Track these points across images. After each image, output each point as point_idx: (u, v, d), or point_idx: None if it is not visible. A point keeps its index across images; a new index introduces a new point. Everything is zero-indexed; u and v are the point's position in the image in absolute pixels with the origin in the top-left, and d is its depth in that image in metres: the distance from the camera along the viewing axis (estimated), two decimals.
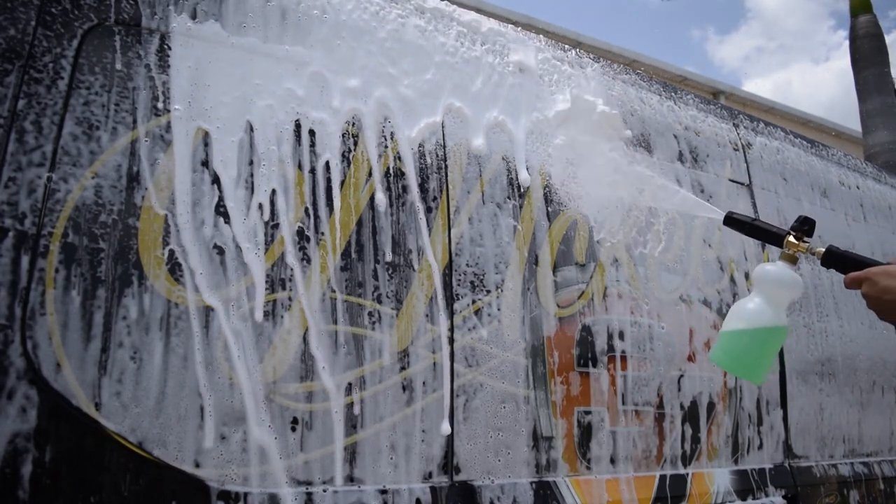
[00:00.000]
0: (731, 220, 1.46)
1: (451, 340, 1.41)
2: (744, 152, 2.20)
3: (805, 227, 1.35)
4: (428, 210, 1.45)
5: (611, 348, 1.66)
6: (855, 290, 1.27)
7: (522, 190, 1.60)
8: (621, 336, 1.68)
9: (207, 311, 1.15)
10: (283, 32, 1.35)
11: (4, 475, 0.96)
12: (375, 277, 1.34)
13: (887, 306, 1.18)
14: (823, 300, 2.27)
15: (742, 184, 2.15)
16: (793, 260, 1.34)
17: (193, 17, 1.25)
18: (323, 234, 1.30)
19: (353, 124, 1.39)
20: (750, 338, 1.31)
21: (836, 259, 1.31)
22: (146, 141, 1.16)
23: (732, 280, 1.99)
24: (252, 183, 1.25)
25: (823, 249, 1.31)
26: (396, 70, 1.48)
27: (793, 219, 2.29)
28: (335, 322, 1.28)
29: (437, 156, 1.49)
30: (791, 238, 1.34)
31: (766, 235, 1.41)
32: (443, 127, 1.51)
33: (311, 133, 1.33)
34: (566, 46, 1.88)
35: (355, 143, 1.38)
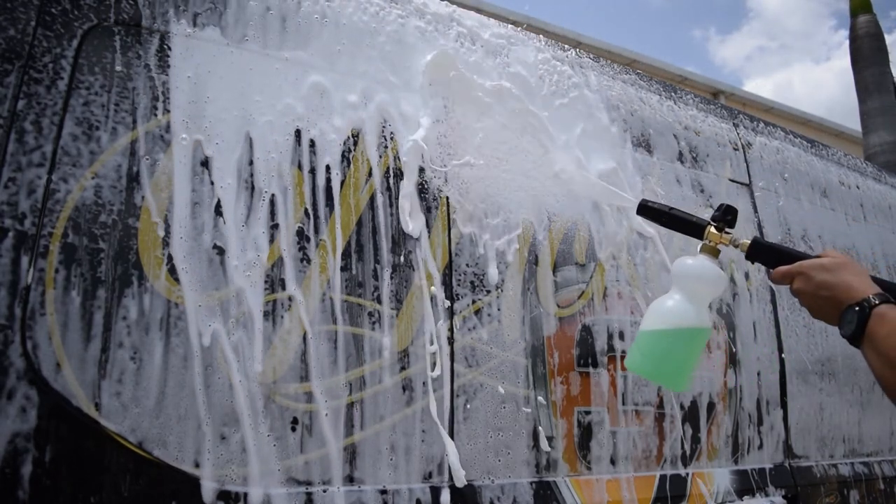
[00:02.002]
0: (646, 209, 1.30)
1: (451, 340, 1.41)
2: (744, 152, 2.20)
3: (728, 216, 1.22)
4: (428, 210, 1.45)
5: (611, 348, 1.66)
6: (784, 286, 1.16)
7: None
8: (621, 336, 1.68)
9: (207, 312, 1.15)
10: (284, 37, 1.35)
11: (4, 475, 0.96)
12: (375, 277, 1.34)
13: (823, 303, 1.08)
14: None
15: (742, 183, 2.15)
16: (714, 252, 1.22)
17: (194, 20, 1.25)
18: (323, 234, 1.30)
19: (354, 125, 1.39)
20: (671, 339, 1.17)
21: (763, 252, 1.20)
22: (146, 141, 1.16)
23: (732, 280, 1.99)
24: (252, 182, 1.25)
25: (748, 241, 1.20)
26: (396, 76, 1.48)
27: (793, 218, 2.31)
28: (335, 322, 1.28)
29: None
30: (712, 229, 1.22)
31: (684, 226, 1.27)
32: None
33: (311, 142, 1.33)
34: (565, 46, 1.88)
35: (355, 143, 1.38)
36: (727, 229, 1.22)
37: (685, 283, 1.21)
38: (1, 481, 0.96)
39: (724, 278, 1.22)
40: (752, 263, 1.24)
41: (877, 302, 1.00)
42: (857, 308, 1.01)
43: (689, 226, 1.26)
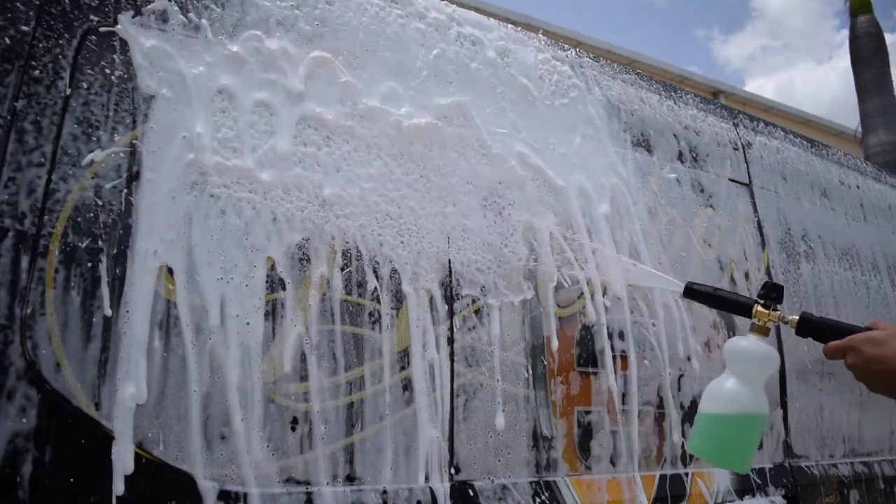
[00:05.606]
0: (692, 293, 1.35)
1: (451, 340, 1.41)
2: (744, 152, 2.20)
3: (773, 293, 1.24)
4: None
5: (611, 348, 1.65)
6: (837, 360, 1.16)
7: None
8: (621, 336, 1.68)
9: (207, 311, 1.15)
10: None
11: (4, 475, 0.96)
12: (376, 277, 1.34)
13: (877, 377, 1.09)
14: (824, 300, 2.27)
15: (742, 183, 2.15)
16: (764, 331, 1.24)
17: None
18: (324, 232, 1.30)
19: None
20: (728, 425, 1.22)
21: (812, 327, 1.21)
22: (146, 140, 1.16)
23: (732, 280, 1.99)
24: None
25: (797, 318, 1.22)
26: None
27: (793, 218, 2.31)
28: (334, 322, 1.28)
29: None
30: (759, 307, 1.24)
31: (731, 306, 1.32)
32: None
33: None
34: (565, 46, 1.88)
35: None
36: (774, 306, 1.24)
37: (739, 366, 1.23)
38: (1, 481, 0.96)
39: (777, 357, 1.25)
40: (805, 338, 1.26)
41: None
42: None
43: (735, 306, 1.30)
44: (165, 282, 1.13)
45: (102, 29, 1.16)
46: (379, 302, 1.33)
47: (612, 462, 1.61)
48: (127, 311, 1.08)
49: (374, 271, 1.34)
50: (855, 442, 2.26)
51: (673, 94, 2.13)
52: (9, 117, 1.05)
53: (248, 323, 1.18)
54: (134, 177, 1.14)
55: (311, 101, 1.34)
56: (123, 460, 1.04)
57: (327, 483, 1.21)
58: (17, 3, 1.09)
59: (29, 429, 0.98)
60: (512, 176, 1.58)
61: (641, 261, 1.76)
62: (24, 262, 1.02)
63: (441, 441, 1.35)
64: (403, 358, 1.34)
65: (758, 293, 1.26)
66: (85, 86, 1.13)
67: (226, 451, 1.13)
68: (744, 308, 1.27)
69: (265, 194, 1.24)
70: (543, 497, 1.46)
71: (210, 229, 1.18)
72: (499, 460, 1.43)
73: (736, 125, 2.26)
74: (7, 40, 1.07)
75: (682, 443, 1.75)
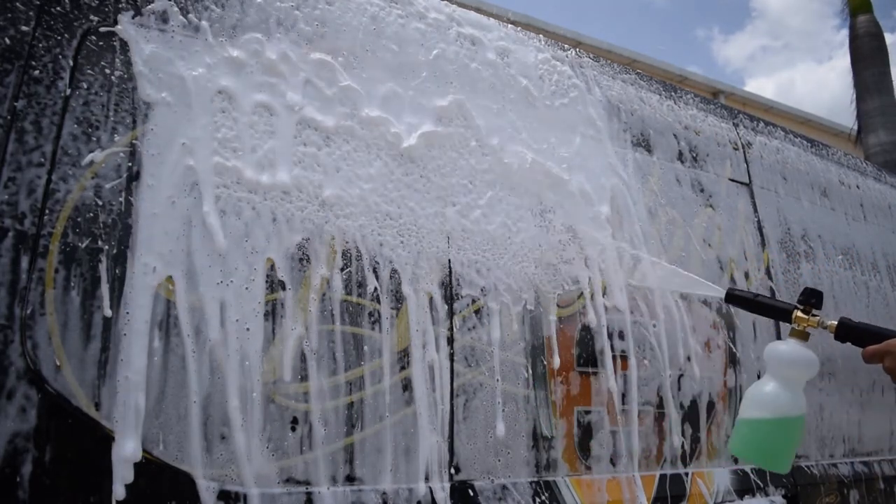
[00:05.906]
0: (733, 297, 1.40)
1: (451, 340, 1.41)
2: (744, 152, 2.20)
3: (812, 299, 1.28)
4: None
5: (611, 348, 1.65)
6: (875, 364, 1.19)
7: None
8: (621, 336, 1.68)
9: (207, 311, 1.15)
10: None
11: (4, 475, 0.96)
12: (376, 277, 1.34)
13: None
14: (823, 300, 2.27)
15: (742, 183, 2.15)
16: (804, 336, 1.27)
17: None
18: (324, 232, 1.30)
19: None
20: (768, 428, 1.25)
21: (851, 332, 1.24)
22: (146, 141, 1.16)
23: (732, 279, 1.99)
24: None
25: (836, 322, 1.24)
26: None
27: (793, 218, 2.31)
28: (334, 322, 1.28)
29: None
30: (799, 312, 1.28)
31: (771, 311, 1.35)
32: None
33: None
34: (565, 46, 1.88)
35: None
36: (813, 311, 1.27)
37: (779, 369, 1.26)
38: (1, 481, 0.96)
39: (817, 361, 1.27)
40: (843, 343, 1.29)
41: None
42: None
43: (775, 311, 1.34)
44: (165, 282, 1.13)
45: (102, 29, 1.16)
46: (379, 302, 1.33)
47: (612, 462, 1.61)
48: (127, 312, 1.08)
49: (374, 272, 1.34)
50: (855, 442, 2.26)
51: (673, 94, 2.13)
52: (9, 117, 1.05)
53: (248, 329, 1.18)
54: (134, 177, 1.14)
55: (312, 102, 1.34)
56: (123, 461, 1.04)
57: (328, 487, 1.21)
58: (17, 3, 1.09)
59: (29, 429, 0.98)
60: (512, 175, 1.58)
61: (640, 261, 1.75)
62: (24, 262, 1.02)
63: (441, 441, 1.35)
64: (403, 358, 1.34)
65: (797, 299, 1.29)
66: (85, 86, 1.13)
67: (226, 452, 1.13)
68: (783, 313, 1.31)
69: (265, 195, 1.24)
70: (543, 497, 1.46)
71: (209, 230, 1.18)
72: (499, 460, 1.43)
73: (736, 125, 2.26)
74: (7, 40, 1.07)
75: (682, 443, 1.75)
